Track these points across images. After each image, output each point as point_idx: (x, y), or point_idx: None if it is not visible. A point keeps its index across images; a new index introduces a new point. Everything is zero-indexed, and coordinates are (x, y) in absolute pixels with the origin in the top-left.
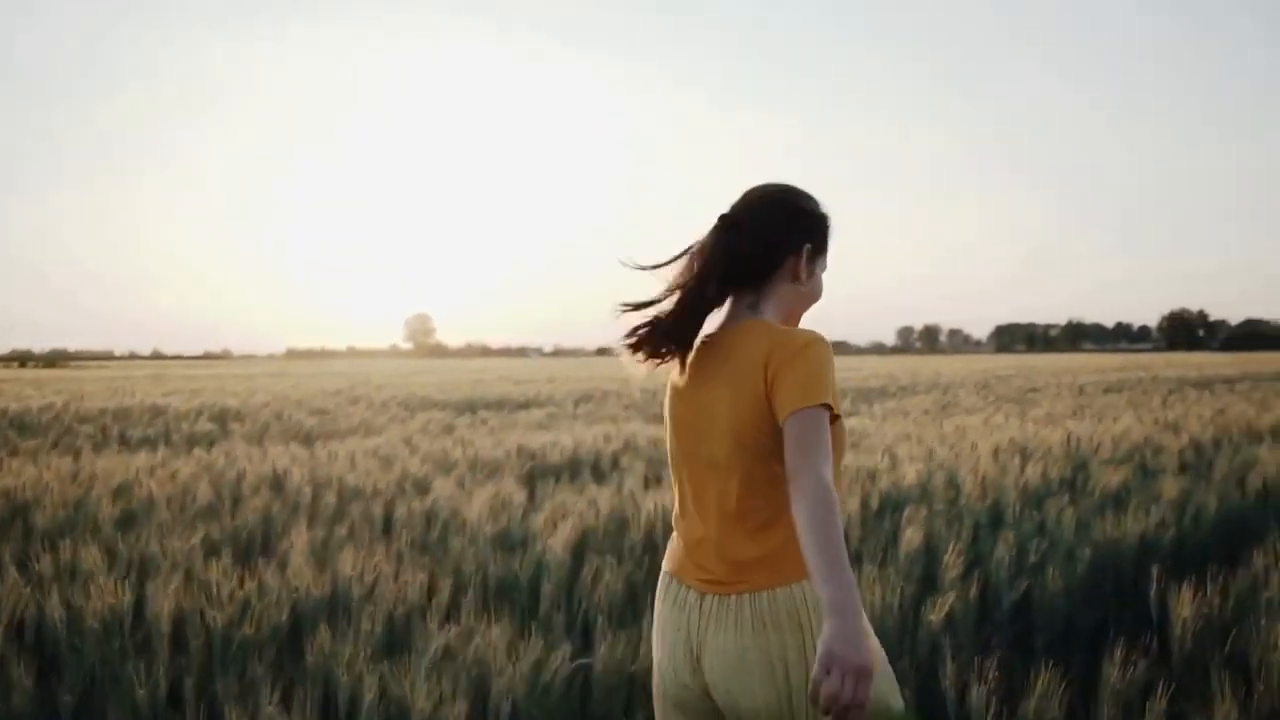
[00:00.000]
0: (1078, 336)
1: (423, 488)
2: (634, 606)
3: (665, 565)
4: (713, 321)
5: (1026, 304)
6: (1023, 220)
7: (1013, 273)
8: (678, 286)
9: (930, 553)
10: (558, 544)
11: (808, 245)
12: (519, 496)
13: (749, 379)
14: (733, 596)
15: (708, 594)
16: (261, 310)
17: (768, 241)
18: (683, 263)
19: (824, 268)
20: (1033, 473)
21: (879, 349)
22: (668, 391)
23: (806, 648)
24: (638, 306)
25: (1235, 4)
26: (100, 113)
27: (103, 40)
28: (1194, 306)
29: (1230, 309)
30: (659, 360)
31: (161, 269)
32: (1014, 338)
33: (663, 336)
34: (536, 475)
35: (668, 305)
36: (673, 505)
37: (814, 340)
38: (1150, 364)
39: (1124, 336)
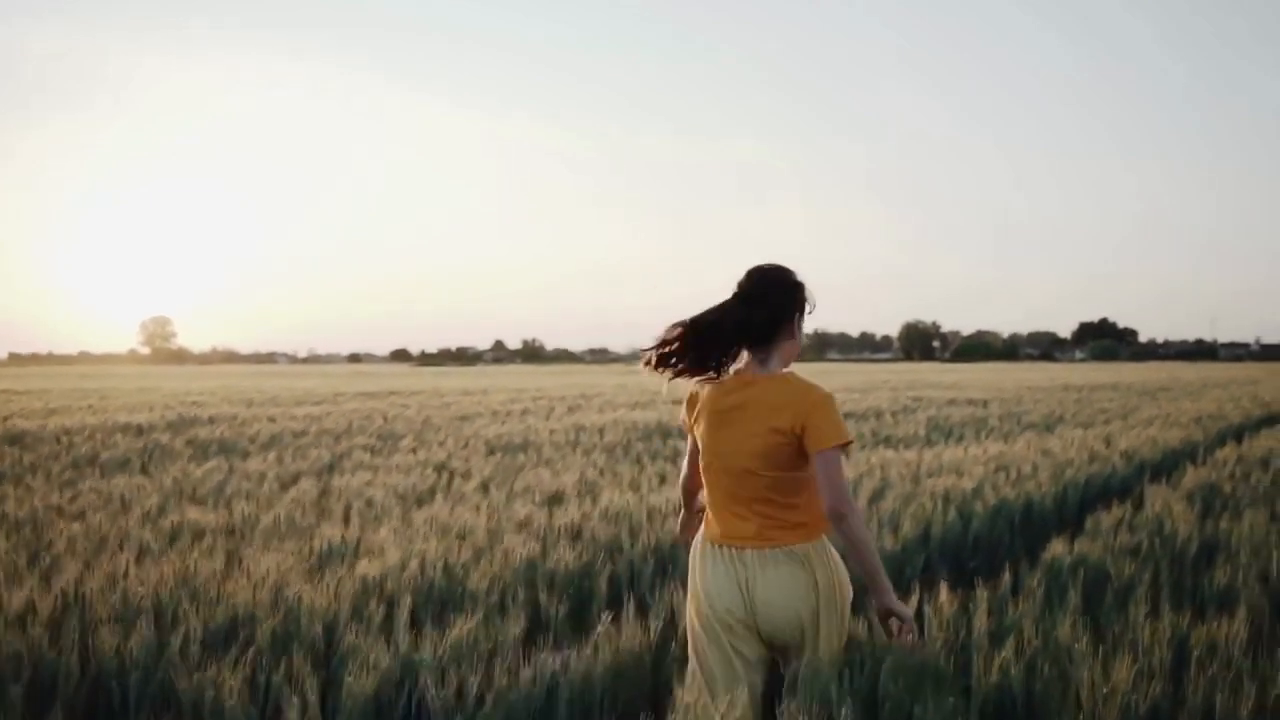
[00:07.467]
0: (824, 346)
1: None
2: None
3: (705, 536)
4: (736, 362)
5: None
6: (774, 235)
7: None
8: (694, 330)
9: None
10: None
11: (798, 313)
12: None
13: (781, 417)
14: (767, 549)
15: (748, 549)
16: None
17: (778, 311)
18: (704, 315)
19: (803, 325)
20: None
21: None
22: (702, 409)
23: (819, 578)
24: (665, 344)
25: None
26: None
27: None
28: (927, 319)
29: (960, 321)
30: (680, 376)
31: None
32: None
33: (689, 365)
34: None
35: (688, 341)
36: (699, 490)
37: (830, 395)
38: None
39: (867, 346)
